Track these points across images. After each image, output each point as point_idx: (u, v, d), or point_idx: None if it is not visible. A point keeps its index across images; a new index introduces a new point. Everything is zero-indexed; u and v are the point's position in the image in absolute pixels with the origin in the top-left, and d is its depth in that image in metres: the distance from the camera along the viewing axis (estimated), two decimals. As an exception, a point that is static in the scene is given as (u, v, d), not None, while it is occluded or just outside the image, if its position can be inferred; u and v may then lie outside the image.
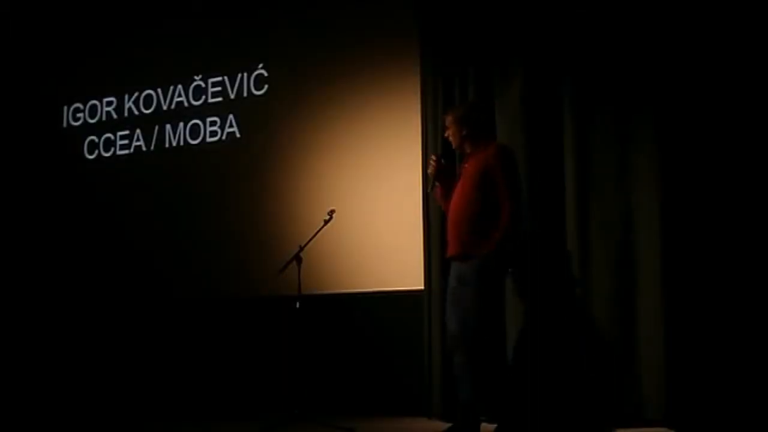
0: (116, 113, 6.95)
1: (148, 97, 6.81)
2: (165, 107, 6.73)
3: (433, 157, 4.37)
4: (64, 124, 7.18)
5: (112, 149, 6.92)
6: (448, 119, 4.34)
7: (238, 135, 6.39)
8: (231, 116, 6.42)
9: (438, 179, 4.32)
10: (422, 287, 5.28)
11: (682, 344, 4.24)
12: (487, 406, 4.14)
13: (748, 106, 4.26)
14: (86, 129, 7.06)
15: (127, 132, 6.87)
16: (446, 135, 4.37)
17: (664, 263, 4.33)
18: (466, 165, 4.21)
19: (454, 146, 4.38)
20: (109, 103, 6.99)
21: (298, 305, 4.86)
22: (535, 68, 4.90)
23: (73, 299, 6.74)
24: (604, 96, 4.66)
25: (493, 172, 4.03)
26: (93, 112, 7.07)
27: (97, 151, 6.99)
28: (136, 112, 6.85)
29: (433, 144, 5.24)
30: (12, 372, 6.56)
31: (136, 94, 6.87)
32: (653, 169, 4.44)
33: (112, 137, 6.93)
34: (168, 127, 6.68)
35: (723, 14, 4.34)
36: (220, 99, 6.49)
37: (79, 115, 7.13)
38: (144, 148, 6.78)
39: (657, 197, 4.41)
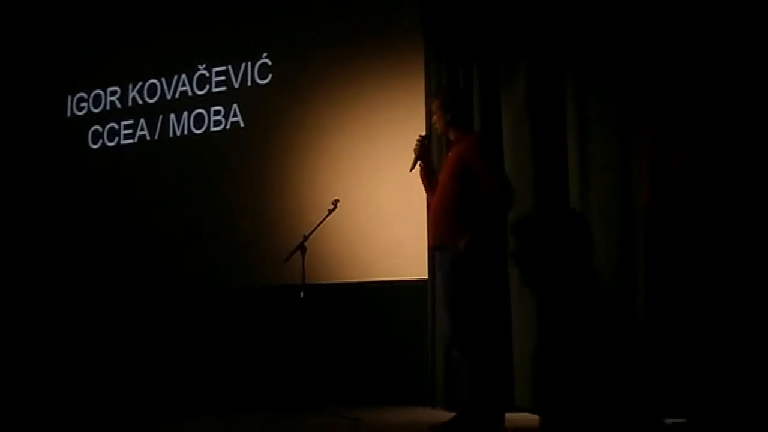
0: (120, 103, 6.95)
1: (152, 86, 6.81)
2: (169, 97, 6.72)
3: (419, 137, 4.38)
4: (68, 114, 7.18)
5: (116, 139, 6.92)
6: (434, 104, 4.36)
7: (242, 124, 6.38)
8: (235, 105, 6.42)
9: (421, 158, 4.34)
10: (426, 277, 5.28)
11: (683, 333, 4.26)
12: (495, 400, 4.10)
13: (747, 106, 4.25)
14: (90, 119, 7.06)
15: (131, 121, 6.87)
16: (433, 121, 4.40)
17: (662, 255, 4.35)
18: (449, 155, 4.25)
19: (439, 131, 4.43)
20: (113, 93, 6.99)
21: (302, 295, 4.87)
22: (539, 60, 4.91)
23: (77, 290, 6.76)
24: (608, 88, 4.67)
25: (471, 161, 4.05)
26: (97, 101, 7.06)
27: (101, 141, 6.99)
28: (140, 102, 6.85)
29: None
30: (16, 365, 6.57)
31: (140, 84, 6.86)
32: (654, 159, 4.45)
33: (116, 127, 6.93)
34: (172, 116, 6.68)
35: (725, 9, 4.34)
36: (224, 88, 6.48)
37: (83, 104, 7.13)
38: (148, 138, 6.78)
39: (657, 188, 4.42)
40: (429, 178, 4.36)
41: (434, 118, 4.37)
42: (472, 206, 4.02)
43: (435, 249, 4.24)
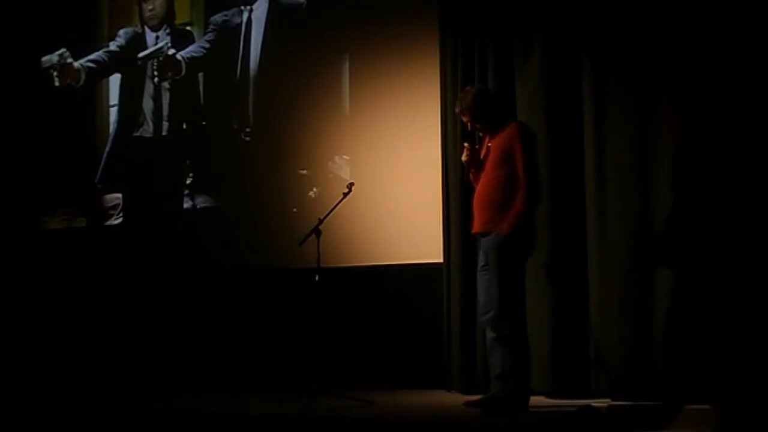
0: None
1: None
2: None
3: (466, 145, 4.37)
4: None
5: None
6: (457, 111, 4.44)
7: (257, 107, 6.38)
8: (250, 89, 6.41)
9: (472, 166, 4.35)
10: (441, 260, 5.27)
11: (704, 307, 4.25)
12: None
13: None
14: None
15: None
16: (465, 121, 4.44)
17: (683, 240, 4.32)
18: (491, 144, 4.29)
19: (469, 129, 4.48)
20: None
21: (317, 278, 4.87)
22: (555, 38, 4.87)
23: (91, 270, 6.76)
24: (624, 64, 4.62)
25: (513, 152, 4.14)
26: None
27: (117, 124, 6.99)
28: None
29: (452, 116, 5.20)
30: (31, 344, 6.59)
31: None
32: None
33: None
34: (188, 100, 6.68)
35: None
36: (238, 72, 6.47)
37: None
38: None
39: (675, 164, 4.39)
40: (477, 174, 4.37)
41: (464, 119, 4.41)
42: (515, 194, 4.11)
43: (480, 235, 4.27)
